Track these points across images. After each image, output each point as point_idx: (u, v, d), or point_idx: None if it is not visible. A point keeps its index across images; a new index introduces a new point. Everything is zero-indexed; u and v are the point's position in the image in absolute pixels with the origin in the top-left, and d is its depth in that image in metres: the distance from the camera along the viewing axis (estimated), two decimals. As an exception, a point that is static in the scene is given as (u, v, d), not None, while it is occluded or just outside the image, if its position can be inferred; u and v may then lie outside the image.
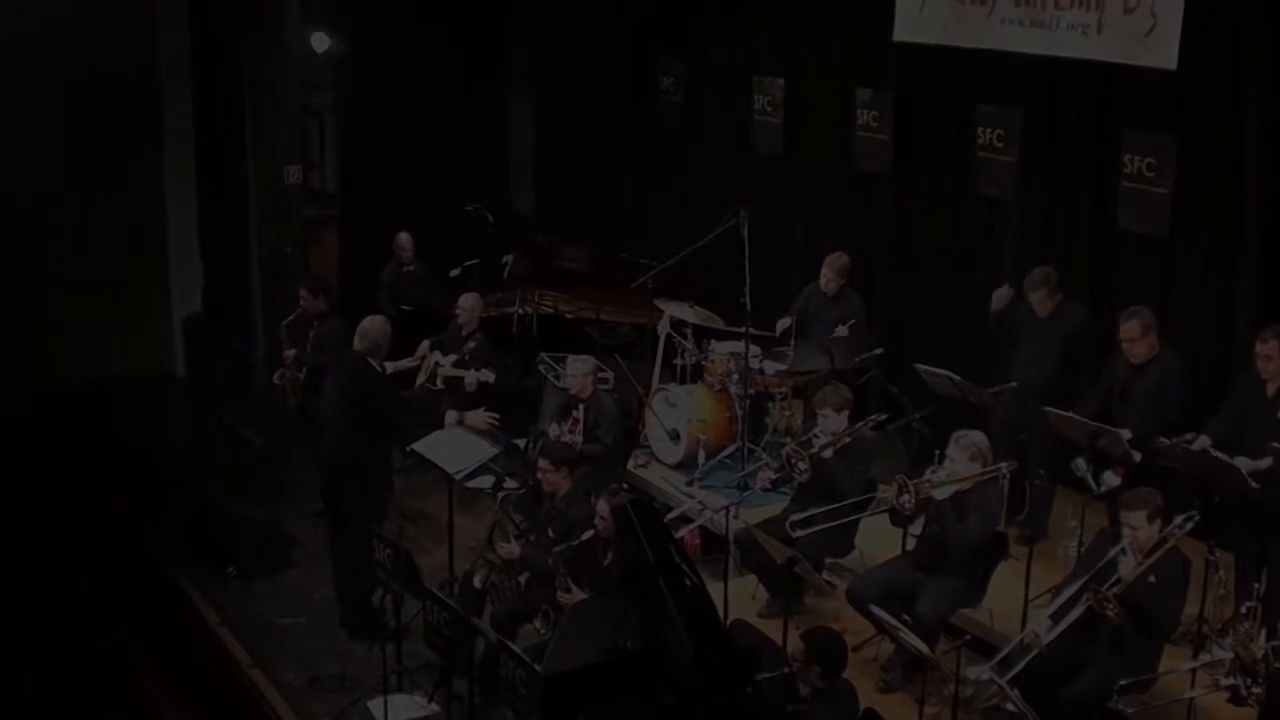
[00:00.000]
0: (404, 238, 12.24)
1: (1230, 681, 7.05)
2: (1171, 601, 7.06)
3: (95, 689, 8.66)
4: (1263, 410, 7.76)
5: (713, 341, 10.87)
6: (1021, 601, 7.98)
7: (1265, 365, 7.73)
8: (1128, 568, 6.95)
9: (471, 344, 10.87)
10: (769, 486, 9.43)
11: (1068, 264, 9.66)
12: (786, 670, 6.91)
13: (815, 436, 8.69)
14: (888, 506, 7.99)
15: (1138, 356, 8.32)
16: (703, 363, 10.88)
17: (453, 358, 10.81)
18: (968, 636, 7.48)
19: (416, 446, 8.76)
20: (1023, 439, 9.01)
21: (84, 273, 13.02)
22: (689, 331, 10.95)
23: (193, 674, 8.90)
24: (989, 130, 10.19)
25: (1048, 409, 8.43)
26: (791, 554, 7.72)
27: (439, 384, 10.75)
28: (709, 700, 6.59)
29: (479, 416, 9.07)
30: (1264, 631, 7.20)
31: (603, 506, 7.84)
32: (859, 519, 8.46)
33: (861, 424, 8.84)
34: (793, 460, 8.57)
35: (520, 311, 11.85)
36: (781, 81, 12.10)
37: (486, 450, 8.70)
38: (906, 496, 7.75)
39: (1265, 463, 7.46)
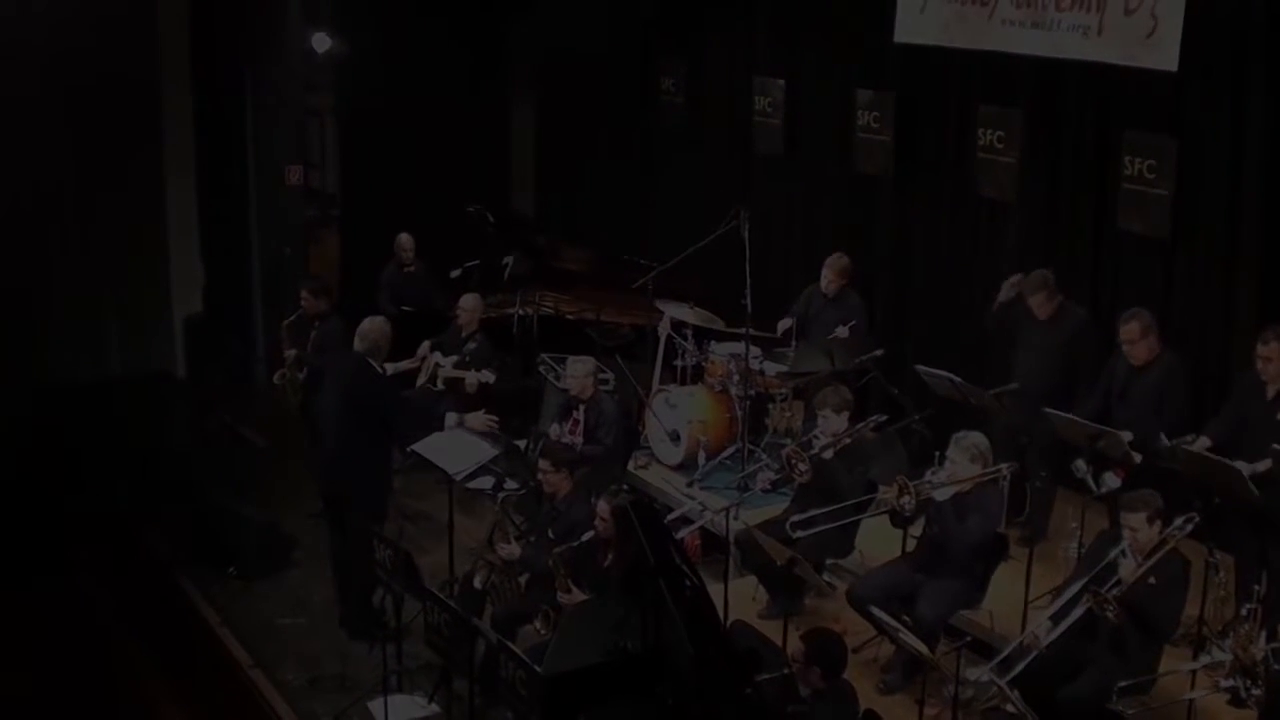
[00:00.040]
0: (404, 238, 12.24)
1: (1230, 683, 7.05)
2: (1171, 603, 7.06)
3: (96, 689, 8.66)
4: (1263, 412, 7.76)
5: (713, 342, 10.88)
6: (1021, 603, 7.99)
7: (1266, 367, 7.73)
8: (1128, 569, 6.95)
9: (472, 345, 10.88)
10: (769, 488, 9.46)
11: (1068, 265, 9.66)
12: (786, 671, 6.91)
13: (815, 437, 8.69)
14: (888, 508, 7.99)
15: (1138, 358, 8.33)
16: (703, 364, 10.89)
17: (453, 358, 10.82)
18: (968, 638, 7.47)
19: (417, 447, 8.76)
20: (1023, 440, 9.01)
21: (85, 273, 13.02)
22: (689, 332, 10.95)
23: (193, 674, 8.91)
24: (989, 131, 10.20)
25: (1048, 410, 8.43)
26: (791, 555, 7.71)
27: (439, 385, 10.76)
28: (709, 701, 6.60)
29: (479, 419, 9.07)
30: (1264, 633, 7.19)
31: (603, 507, 7.84)
32: (859, 520, 8.47)
33: (862, 425, 8.84)
34: (793, 461, 8.57)
35: (521, 312, 11.86)
36: (782, 82, 12.10)
37: (487, 451, 8.70)
38: (907, 498, 7.75)
39: (1265, 464, 7.46)
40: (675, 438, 10.51)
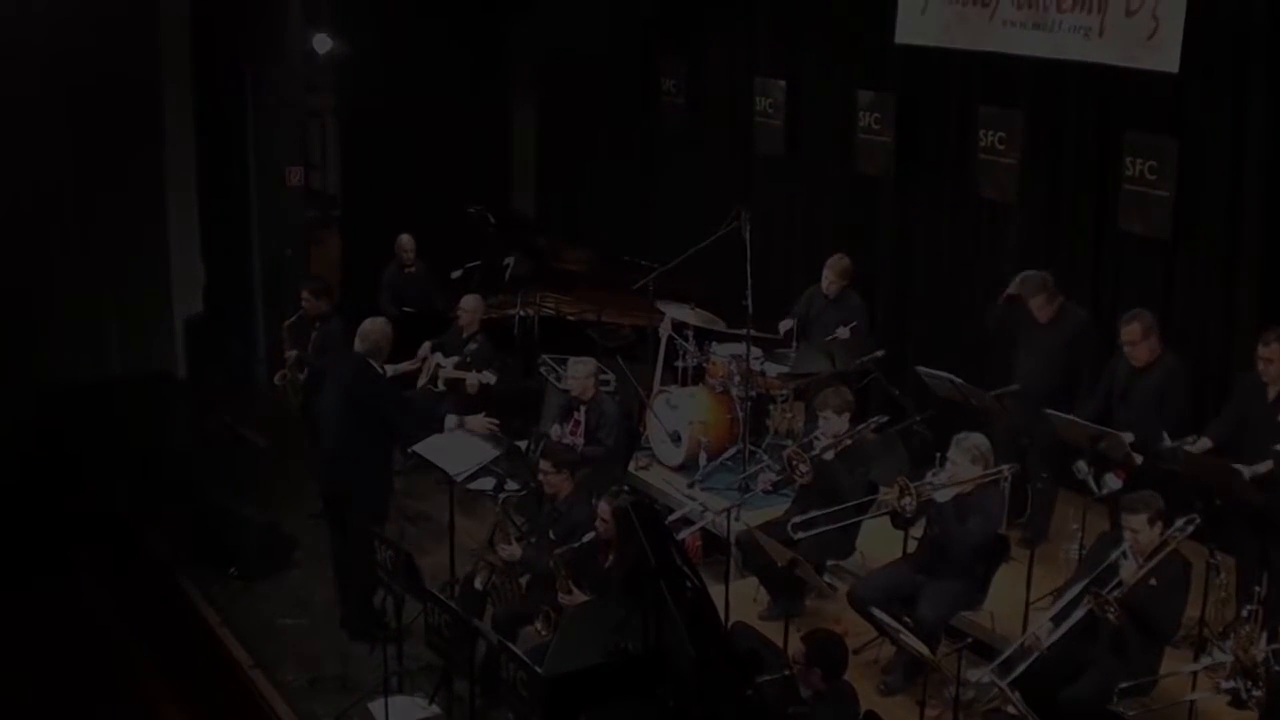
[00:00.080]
0: (405, 239, 12.24)
1: (1231, 684, 7.05)
2: (1172, 604, 7.06)
3: (96, 689, 8.66)
4: (1264, 413, 7.75)
5: (714, 343, 10.88)
6: (1022, 604, 7.99)
7: (1267, 368, 7.72)
8: (1129, 570, 6.95)
9: (473, 345, 10.88)
10: (770, 489, 9.47)
11: (1069, 266, 9.66)
12: (787, 673, 6.91)
13: (816, 439, 8.70)
14: (889, 509, 7.99)
15: (1139, 359, 8.32)
16: (704, 365, 10.89)
17: (454, 359, 10.82)
18: (969, 639, 7.48)
19: (418, 448, 8.76)
20: (1024, 442, 9.01)
21: (85, 273, 13.02)
22: (690, 333, 10.95)
23: (193, 674, 8.91)
24: (990, 132, 10.19)
25: (1049, 412, 8.42)
26: (792, 556, 7.71)
27: (440, 386, 10.76)
28: (710, 703, 6.60)
29: (479, 421, 9.08)
30: (1265, 634, 7.19)
31: (604, 508, 7.84)
32: (860, 521, 8.47)
33: (863, 426, 8.84)
34: (794, 462, 8.57)
35: (521, 313, 11.86)
36: (783, 83, 12.10)
37: (488, 452, 8.70)
38: (908, 499, 7.75)
39: (1266, 466, 7.46)
40: (676, 439, 10.50)
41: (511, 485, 9.17)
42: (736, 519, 8.77)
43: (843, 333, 10.14)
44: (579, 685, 6.80)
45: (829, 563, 8.78)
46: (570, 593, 7.85)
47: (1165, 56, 8.81)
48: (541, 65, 15.12)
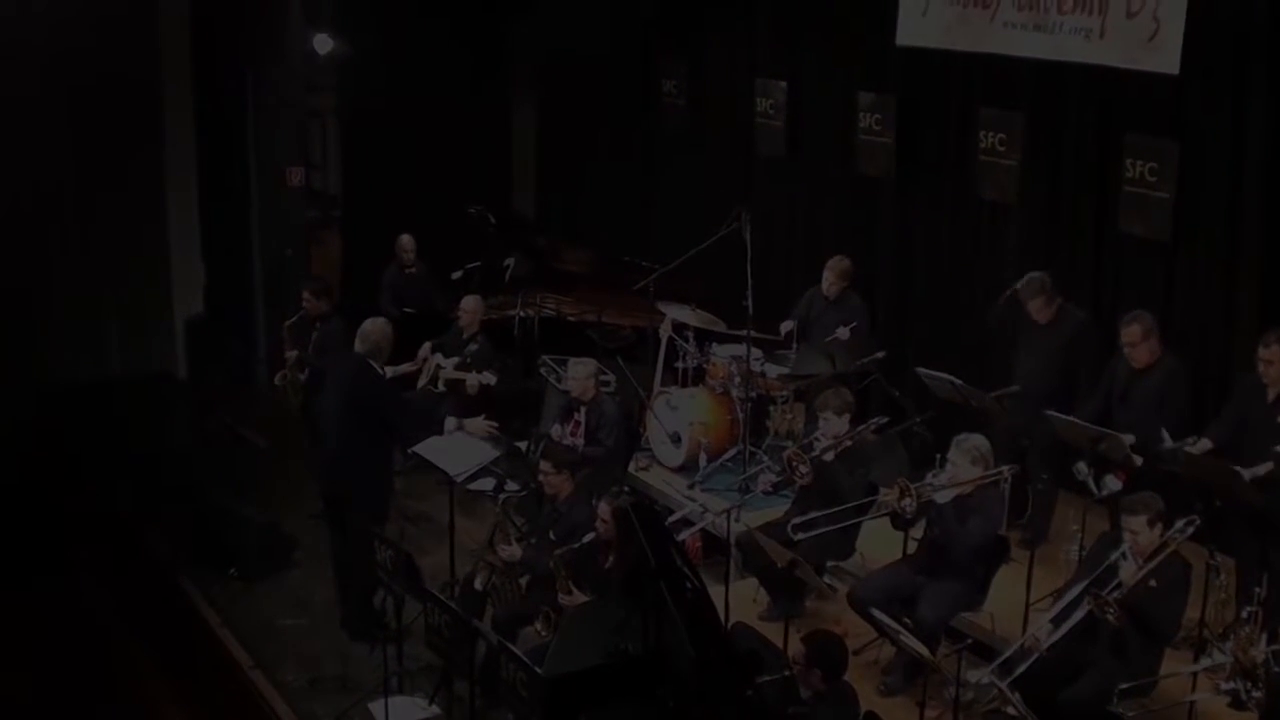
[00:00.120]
0: (406, 239, 12.25)
1: (1231, 685, 7.06)
2: (1172, 605, 7.06)
3: (96, 689, 8.67)
4: (1264, 414, 7.75)
5: (714, 344, 10.88)
6: (1022, 605, 7.99)
7: (1267, 370, 7.71)
8: (1129, 572, 6.95)
9: (473, 346, 10.88)
10: (770, 490, 9.46)
11: (1069, 268, 9.66)
12: (787, 673, 6.91)
13: (816, 440, 8.69)
14: (889, 510, 7.98)
15: (1139, 360, 8.33)
16: (704, 366, 10.88)
17: (454, 360, 10.83)
18: (969, 640, 7.47)
19: (418, 448, 8.77)
20: (1024, 443, 9.01)
21: (86, 274, 13.02)
22: (690, 334, 10.95)
23: (194, 675, 8.91)
24: (991, 134, 10.20)
25: (1050, 413, 8.43)
26: (792, 557, 7.71)
27: (440, 386, 10.77)
28: (710, 703, 6.60)
29: (478, 425, 9.09)
30: (1265, 635, 7.19)
31: (604, 509, 7.84)
32: (860, 522, 8.47)
33: (863, 427, 8.84)
34: (794, 463, 8.57)
35: (522, 314, 11.86)
36: (784, 84, 12.10)
37: (488, 452, 8.71)
38: (908, 500, 7.74)
39: (1266, 468, 7.46)
40: (676, 439, 10.50)
41: (511, 486, 9.18)
42: (736, 520, 8.77)
43: (842, 333, 10.14)
44: (579, 686, 6.80)
45: (829, 564, 8.78)
46: (570, 593, 7.85)
47: (1166, 58, 8.82)
48: (542, 66, 15.12)
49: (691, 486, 10.23)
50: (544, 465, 8.56)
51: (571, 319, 12.03)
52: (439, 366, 10.81)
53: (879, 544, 8.73)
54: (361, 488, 8.56)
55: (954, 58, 10.43)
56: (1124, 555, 7.02)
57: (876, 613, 7.46)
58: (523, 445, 10.25)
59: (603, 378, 10.30)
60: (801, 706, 6.79)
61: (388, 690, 7.79)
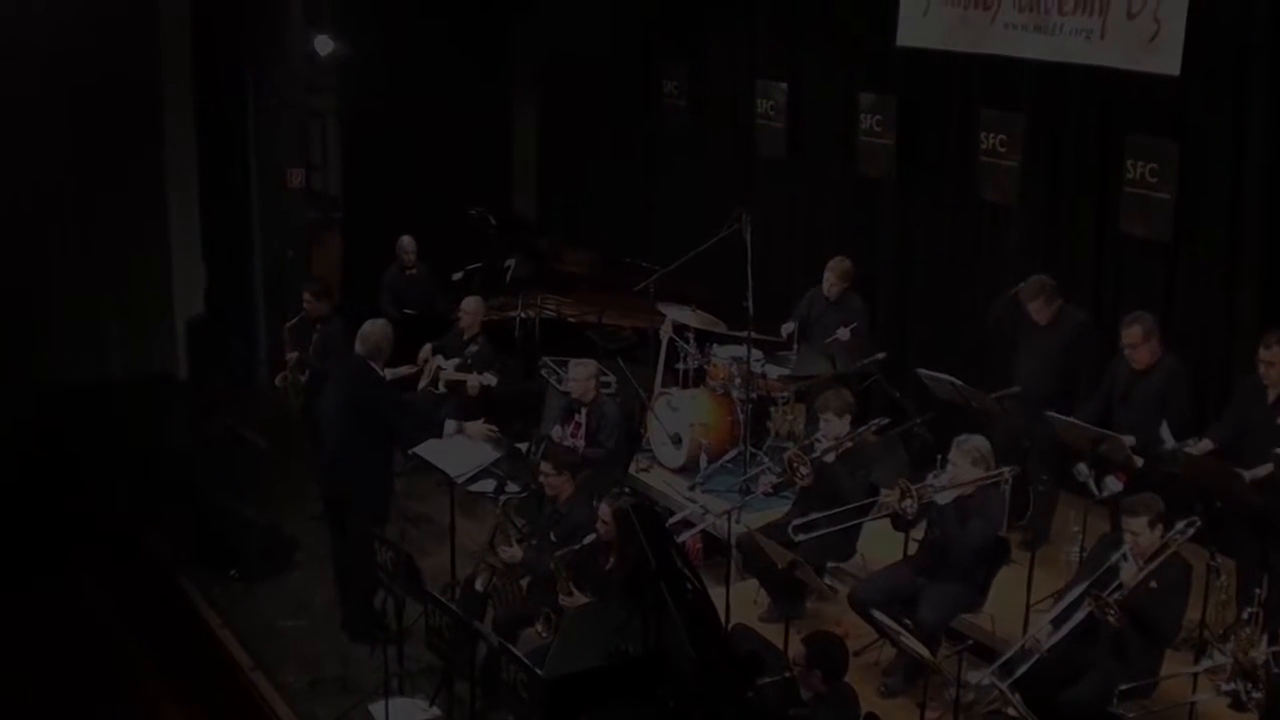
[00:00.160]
0: (406, 240, 12.24)
1: (1231, 687, 7.06)
2: (1173, 607, 7.06)
3: (96, 690, 8.67)
4: (1264, 416, 7.75)
5: (715, 345, 10.87)
6: (1023, 606, 7.99)
7: (1268, 371, 7.72)
8: (1129, 573, 6.95)
9: (474, 347, 10.88)
10: (771, 491, 9.46)
11: (1070, 269, 9.66)
12: (788, 675, 6.91)
13: (817, 441, 8.69)
14: (889, 511, 7.98)
15: (1140, 362, 8.33)
16: (705, 367, 10.88)
17: (455, 361, 10.83)
18: (969, 641, 7.47)
19: (419, 450, 8.77)
20: (1025, 444, 9.00)
21: (86, 275, 13.03)
22: (691, 335, 10.95)
23: (194, 676, 8.91)
24: (992, 135, 10.19)
25: (1050, 414, 8.43)
26: (793, 558, 7.71)
27: (441, 388, 10.77)
28: (710, 705, 6.60)
29: (478, 428, 9.09)
30: (1265, 637, 7.20)
31: (605, 510, 7.84)
32: (861, 523, 8.46)
33: (863, 428, 8.84)
34: (794, 465, 8.56)
35: (522, 315, 11.86)
36: (784, 85, 12.09)
37: (489, 454, 8.71)
38: (908, 501, 7.74)
39: (1266, 469, 7.46)
40: (677, 441, 10.50)
41: (512, 487, 9.19)
42: (737, 521, 8.77)
43: (842, 333, 10.14)
44: (579, 687, 6.80)
45: (829, 565, 8.78)
46: (571, 594, 7.85)
47: (1166, 59, 8.82)
48: (543, 67, 15.12)
49: (692, 488, 10.23)
50: (545, 467, 8.56)
51: (572, 320, 12.03)
52: (439, 368, 10.81)
53: (880, 545, 8.73)
54: (362, 489, 8.56)
55: (955, 59, 10.43)
56: (1125, 556, 7.02)
57: (877, 614, 7.46)
58: (523, 447, 10.25)
59: (603, 379, 10.30)
60: (802, 708, 6.79)
61: (388, 692, 7.79)
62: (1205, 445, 7.89)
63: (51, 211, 12.81)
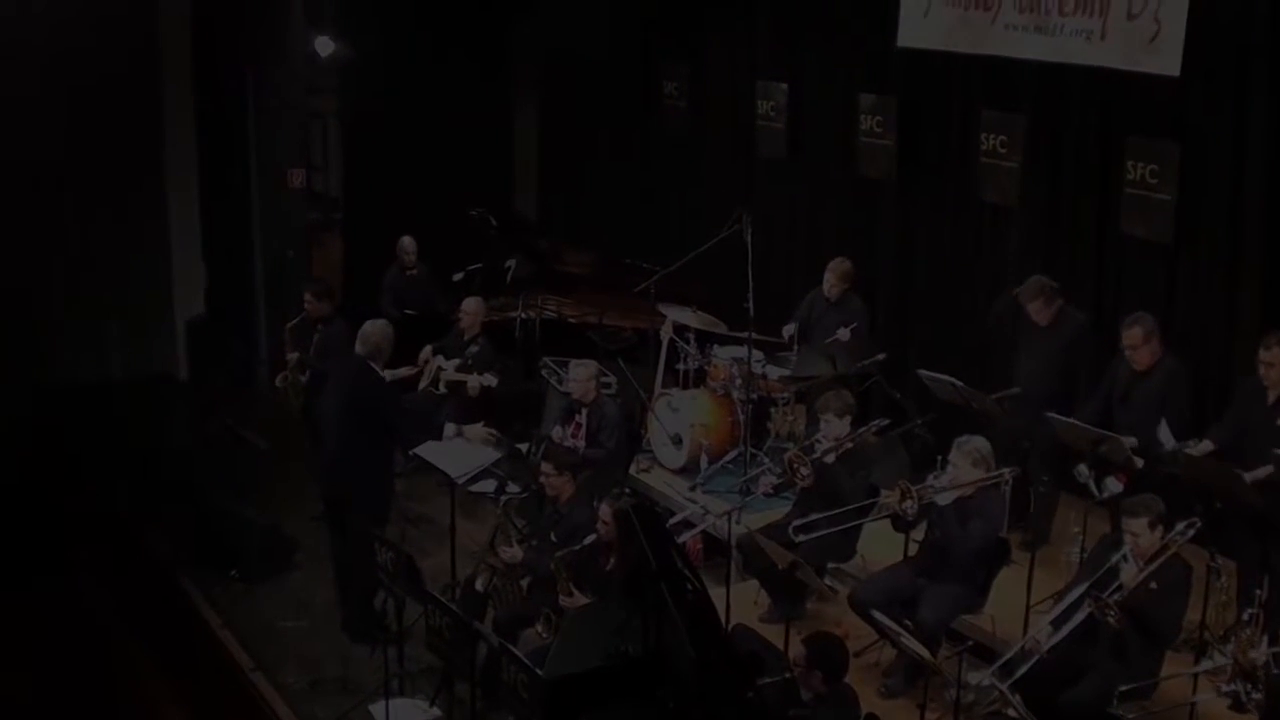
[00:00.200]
0: (407, 241, 12.24)
1: (1231, 688, 7.06)
2: (1173, 608, 7.05)
3: (96, 690, 8.67)
4: (1264, 417, 7.75)
5: (715, 346, 10.87)
6: (1023, 607, 7.98)
7: (1268, 372, 7.71)
8: (1129, 574, 6.95)
9: (474, 348, 10.88)
10: (771, 492, 9.45)
11: (1071, 270, 9.67)
12: (788, 675, 6.91)
13: (817, 441, 8.69)
14: (890, 512, 7.97)
15: (1140, 363, 8.33)
16: (705, 367, 10.88)
17: (455, 362, 10.83)
18: (969, 642, 7.47)
19: (419, 450, 8.78)
20: (1025, 445, 9.00)
21: (87, 275, 13.05)
22: (691, 336, 10.95)
23: (194, 677, 8.90)
24: (992, 136, 10.19)
25: (1051, 415, 8.43)
26: (793, 559, 7.70)
27: (441, 388, 10.77)
28: (711, 705, 6.60)
29: (477, 432, 9.09)
30: (1265, 638, 7.19)
31: (605, 511, 7.83)
32: (861, 524, 8.46)
33: (864, 429, 8.84)
34: (795, 465, 8.56)
35: (523, 316, 11.86)
36: (785, 86, 12.10)
37: (489, 454, 8.71)
38: (909, 502, 7.74)
39: (1266, 470, 7.46)
40: (677, 441, 10.50)
41: (513, 488, 9.17)
42: (737, 522, 8.77)
43: (843, 334, 10.14)
44: (580, 688, 6.80)
45: (830, 565, 8.77)
46: (571, 595, 7.84)
47: (1167, 60, 8.82)
48: (543, 67, 15.13)
49: (693, 488, 10.23)
50: (545, 467, 8.55)
51: (573, 321, 12.04)
52: (440, 368, 10.81)
53: (880, 546, 8.72)
54: (362, 490, 8.56)
55: (955, 59, 10.43)
56: (1125, 557, 7.02)
57: (877, 614, 7.46)
58: (524, 447, 10.24)
59: (604, 379, 10.30)
60: (802, 709, 6.78)
61: (388, 692, 7.78)
62: (1206, 446, 7.89)
63: (51, 211, 12.82)
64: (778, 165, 12.34)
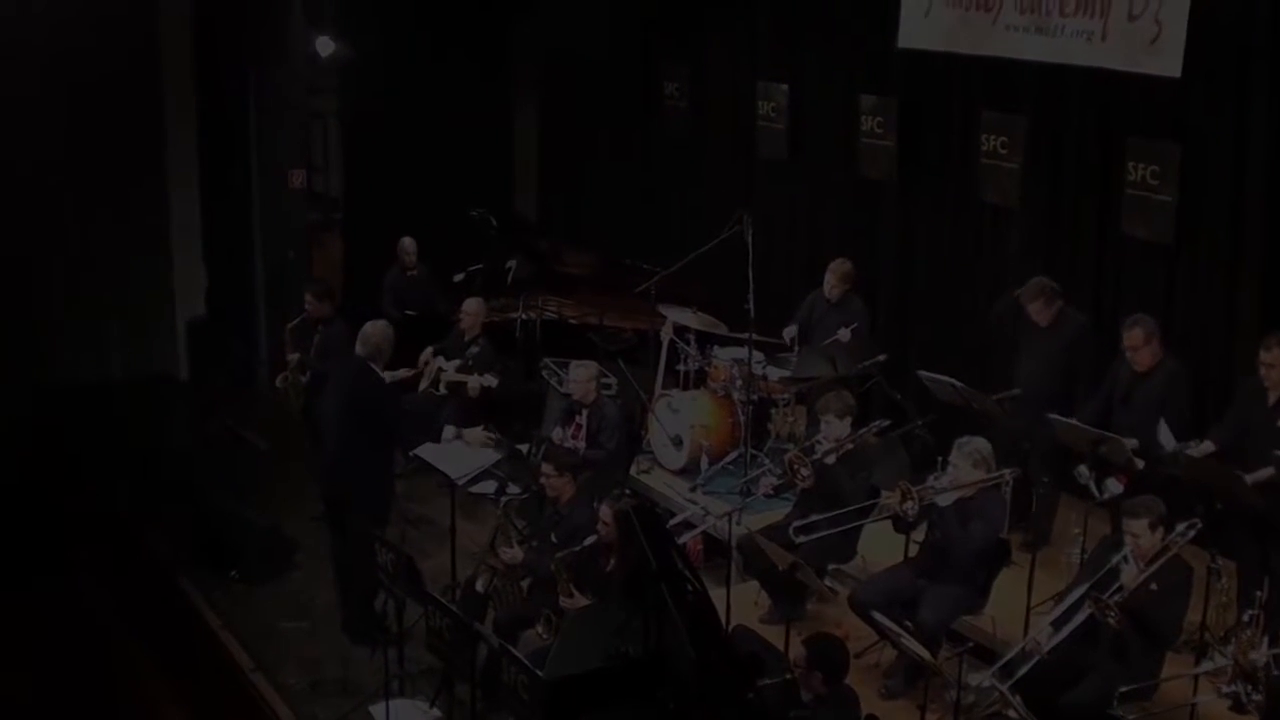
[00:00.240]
0: (407, 242, 12.24)
1: (1231, 689, 7.04)
2: (1173, 609, 7.05)
3: (96, 690, 8.67)
4: (1265, 418, 7.75)
5: (716, 347, 10.87)
6: (1024, 608, 7.98)
7: (1269, 373, 7.71)
8: (1130, 575, 6.95)
9: (475, 349, 10.88)
10: (771, 493, 9.44)
11: (1071, 271, 9.66)
12: (788, 676, 6.91)
13: (818, 442, 8.68)
14: (890, 513, 7.96)
15: (1141, 364, 8.33)
16: (706, 368, 10.88)
17: (456, 363, 10.83)
18: (970, 643, 7.47)
19: (420, 451, 8.78)
20: (1025, 446, 9.00)
21: (87, 275, 13.05)
22: (692, 337, 10.95)
23: (194, 677, 8.90)
24: (993, 137, 10.19)
25: (1051, 416, 8.43)
26: (794, 560, 7.70)
27: (442, 389, 10.76)
28: (711, 706, 6.59)
29: (477, 435, 9.08)
30: (1266, 639, 7.19)
31: (605, 512, 7.83)
32: (861, 525, 8.46)
33: (864, 430, 8.83)
34: (795, 466, 8.56)
35: (523, 316, 11.86)
36: (786, 87, 12.10)
37: (489, 455, 8.71)
38: (909, 503, 7.73)
39: (1267, 472, 7.46)
40: (678, 442, 10.50)
41: (513, 489, 9.17)
42: (738, 523, 8.77)
43: (843, 334, 10.13)
44: (580, 688, 6.80)
45: (830, 566, 8.76)
46: (571, 596, 7.84)
47: (1168, 61, 8.82)
48: (543, 67, 15.13)
49: (693, 489, 10.23)
50: (545, 468, 8.55)
51: (573, 322, 12.03)
52: (440, 369, 10.81)
53: (880, 547, 8.72)
54: (362, 490, 8.55)
55: (956, 60, 10.43)
56: (1125, 558, 7.02)
57: (878, 615, 7.46)
58: (524, 448, 10.24)
59: (604, 380, 10.29)
60: (802, 710, 6.78)
61: (389, 693, 7.78)
62: (1206, 447, 7.88)
63: (51, 211, 12.82)
64: (778, 166, 12.34)
